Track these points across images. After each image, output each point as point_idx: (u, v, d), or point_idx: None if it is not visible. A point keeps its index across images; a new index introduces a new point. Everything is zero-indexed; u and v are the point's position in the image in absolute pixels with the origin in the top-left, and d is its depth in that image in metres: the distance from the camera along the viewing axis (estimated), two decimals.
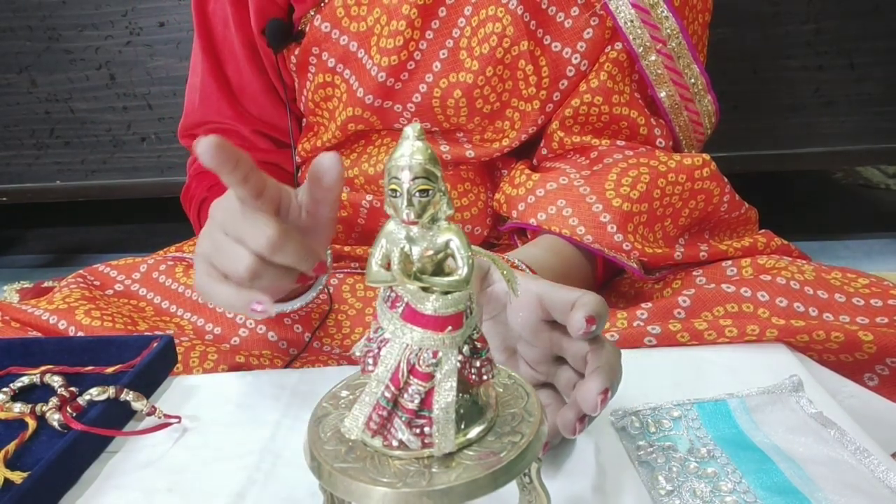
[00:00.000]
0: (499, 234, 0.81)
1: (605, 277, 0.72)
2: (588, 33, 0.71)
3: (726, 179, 0.72)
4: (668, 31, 0.71)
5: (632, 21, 0.70)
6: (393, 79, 0.72)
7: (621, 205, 0.65)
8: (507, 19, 0.69)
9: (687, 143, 0.78)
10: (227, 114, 0.81)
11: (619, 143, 0.75)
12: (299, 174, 0.85)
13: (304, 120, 0.84)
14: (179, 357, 0.60)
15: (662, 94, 0.73)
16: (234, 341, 0.72)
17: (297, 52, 0.77)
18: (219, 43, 0.80)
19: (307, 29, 0.75)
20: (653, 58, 0.71)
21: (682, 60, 0.72)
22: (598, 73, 0.72)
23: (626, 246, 0.65)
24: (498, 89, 0.72)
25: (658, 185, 0.67)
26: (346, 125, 0.76)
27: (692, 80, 0.73)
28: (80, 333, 0.66)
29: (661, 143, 0.75)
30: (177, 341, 0.61)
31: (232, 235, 0.48)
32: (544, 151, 0.77)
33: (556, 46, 0.71)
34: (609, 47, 0.72)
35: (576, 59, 0.72)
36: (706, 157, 0.70)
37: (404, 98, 0.73)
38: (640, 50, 0.71)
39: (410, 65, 0.72)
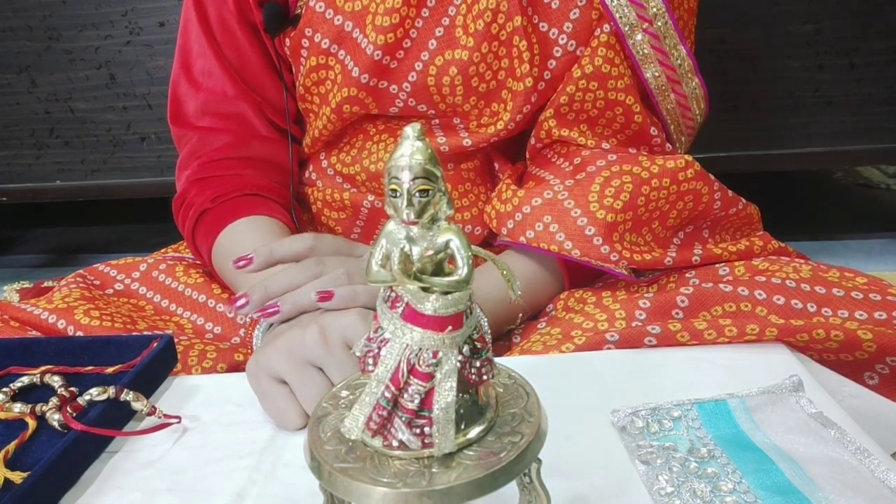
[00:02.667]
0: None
1: (578, 281, 0.72)
2: (575, 14, 0.71)
3: (713, 177, 0.71)
4: (655, 10, 0.71)
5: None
6: (389, 57, 0.71)
7: (605, 216, 0.66)
8: None
9: (676, 128, 0.77)
10: (229, 92, 0.79)
11: (604, 145, 0.74)
12: (306, 174, 0.84)
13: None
14: (178, 356, 0.60)
15: (649, 75, 0.73)
16: (235, 340, 0.72)
17: (291, 36, 0.76)
18: (213, 22, 0.78)
19: (303, 12, 0.74)
20: (639, 37, 0.71)
21: (668, 41, 0.72)
22: (593, 58, 0.71)
23: (614, 257, 0.65)
24: (493, 67, 0.72)
25: (642, 193, 0.67)
26: (340, 107, 0.75)
27: (679, 62, 0.73)
28: (79, 333, 0.66)
29: (654, 131, 0.75)
30: (175, 340, 0.61)
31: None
32: (533, 141, 0.77)
33: (543, 26, 0.71)
34: (598, 30, 0.71)
35: (563, 39, 0.71)
36: (689, 158, 0.70)
37: (400, 77, 0.72)
38: (626, 29, 0.70)
39: (406, 43, 0.71)
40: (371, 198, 0.79)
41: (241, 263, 0.57)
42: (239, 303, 0.56)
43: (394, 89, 0.73)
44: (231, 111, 0.79)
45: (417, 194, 0.30)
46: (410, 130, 0.30)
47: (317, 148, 0.81)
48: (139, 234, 2.16)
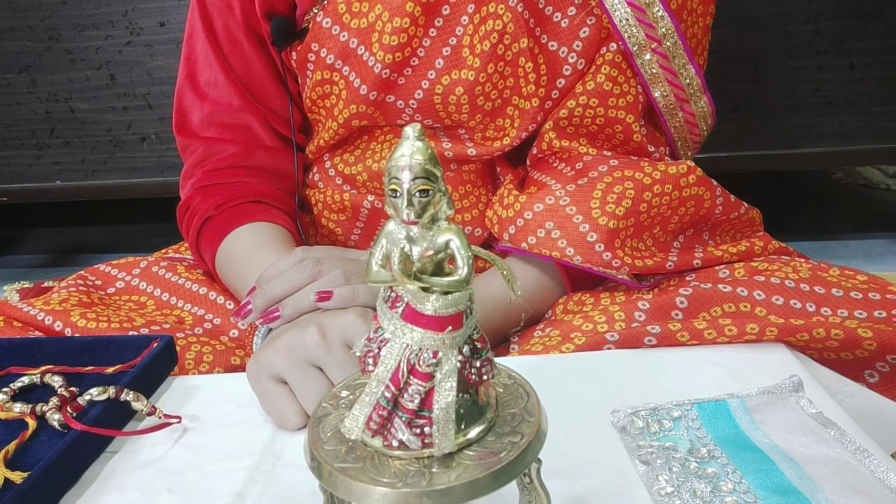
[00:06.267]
0: None
1: (579, 287, 0.72)
2: (584, 32, 0.71)
3: (716, 182, 0.71)
4: (664, 30, 0.70)
5: (627, 19, 0.70)
6: (396, 74, 0.72)
7: (607, 223, 0.66)
8: (507, 16, 0.69)
9: (683, 144, 0.78)
10: (235, 104, 0.79)
11: (605, 152, 0.74)
12: (309, 176, 0.85)
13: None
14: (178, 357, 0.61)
15: (657, 94, 0.73)
16: (233, 333, 0.72)
17: (298, 49, 0.76)
18: (220, 33, 0.78)
19: (310, 26, 0.74)
20: (647, 57, 0.71)
21: (677, 60, 0.72)
22: (595, 76, 0.71)
23: (616, 263, 0.65)
24: (499, 86, 0.72)
25: (644, 199, 0.67)
26: (349, 122, 0.75)
27: (687, 81, 0.73)
28: (76, 335, 0.66)
29: (652, 148, 0.74)
30: (174, 338, 0.61)
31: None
32: (534, 150, 0.77)
33: (552, 45, 0.71)
34: (604, 48, 0.71)
35: (572, 58, 0.72)
36: (691, 163, 0.70)
37: (406, 94, 0.73)
38: (634, 49, 0.70)
39: (414, 61, 0.72)
40: (371, 198, 0.79)
41: (242, 314, 0.58)
42: (244, 310, 0.57)
43: (400, 104, 0.73)
44: (236, 122, 0.79)
45: (417, 194, 0.30)
46: (410, 130, 0.30)
47: (321, 154, 0.82)
48: (139, 234, 2.16)
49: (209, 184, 0.79)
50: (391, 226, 0.32)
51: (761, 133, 1.51)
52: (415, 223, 0.31)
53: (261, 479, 0.45)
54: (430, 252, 0.31)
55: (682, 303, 0.62)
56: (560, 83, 0.72)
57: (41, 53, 1.56)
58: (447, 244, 0.31)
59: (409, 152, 0.30)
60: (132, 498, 0.45)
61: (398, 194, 0.30)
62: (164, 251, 0.88)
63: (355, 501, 0.31)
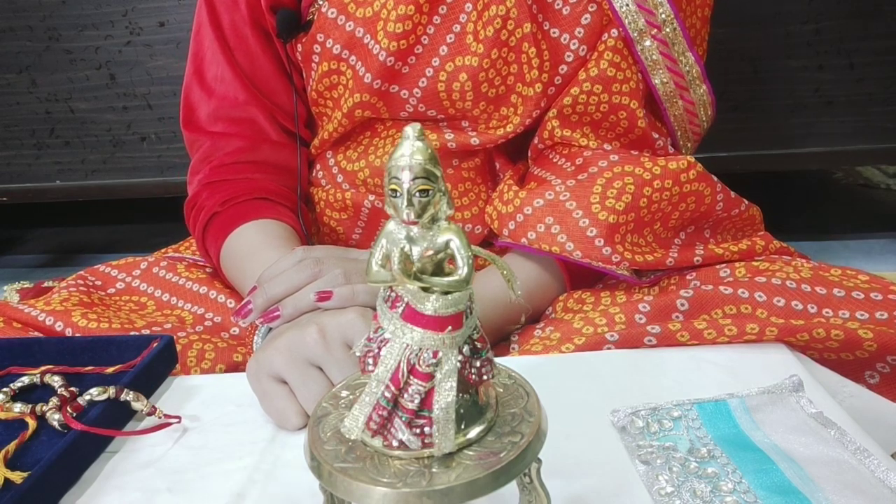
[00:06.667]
0: None
1: (579, 283, 0.72)
2: (586, 19, 0.71)
3: (716, 178, 0.71)
4: (663, 16, 0.71)
5: (627, 5, 0.70)
6: (400, 62, 0.72)
7: (607, 217, 0.66)
8: (511, 1, 0.69)
9: (682, 135, 0.78)
10: (240, 98, 0.79)
11: (606, 146, 0.74)
12: (313, 174, 0.85)
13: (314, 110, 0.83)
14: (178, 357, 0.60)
15: (657, 81, 0.73)
16: (234, 331, 0.72)
17: (303, 41, 0.76)
18: (226, 28, 0.79)
19: (315, 17, 0.74)
20: (647, 43, 0.71)
21: (676, 47, 0.72)
22: (598, 62, 0.72)
23: (615, 258, 0.65)
24: (503, 73, 0.72)
25: (644, 194, 0.67)
26: (352, 112, 0.75)
27: (687, 68, 0.74)
28: (77, 335, 0.66)
29: (656, 135, 0.75)
30: (174, 338, 0.61)
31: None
32: (535, 140, 0.77)
33: (554, 32, 0.72)
34: (606, 34, 0.72)
35: (574, 44, 0.72)
36: (691, 159, 0.70)
37: (410, 82, 0.73)
38: (634, 35, 0.71)
39: (418, 49, 0.72)
40: (372, 198, 0.79)
41: (242, 314, 0.58)
42: (245, 310, 0.57)
43: (404, 94, 0.73)
44: (242, 116, 0.80)
45: (417, 194, 0.30)
46: (410, 130, 0.30)
47: (325, 148, 0.82)
48: (139, 234, 2.16)
49: (216, 180, 0.79)
50: (391, 226, 0.32)
51: (761, 133, 1.51)
52: (415, 223, 0.31)
53: (261, 479, 0.45)
54: (430, 252, 0.31)
55: (682, 305, 0.62)
56: (562, 69, 0.73)
57: (41, 53, 1.56)
58: (447, 244, 0.31)
59: (409, 152, 0.30)
60: (132, 498, 0.45)
61: (398, 194, 0.30)
62: (164, 250, 0.89)
63: (355, 501, 0.31)
